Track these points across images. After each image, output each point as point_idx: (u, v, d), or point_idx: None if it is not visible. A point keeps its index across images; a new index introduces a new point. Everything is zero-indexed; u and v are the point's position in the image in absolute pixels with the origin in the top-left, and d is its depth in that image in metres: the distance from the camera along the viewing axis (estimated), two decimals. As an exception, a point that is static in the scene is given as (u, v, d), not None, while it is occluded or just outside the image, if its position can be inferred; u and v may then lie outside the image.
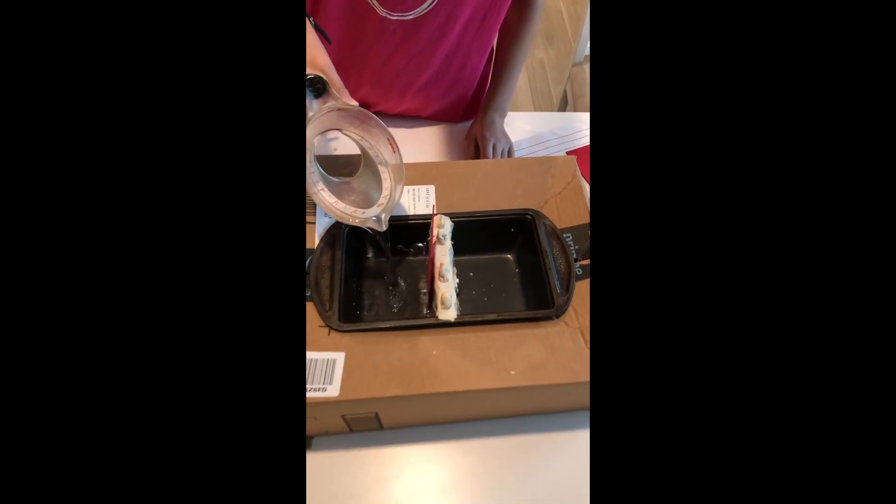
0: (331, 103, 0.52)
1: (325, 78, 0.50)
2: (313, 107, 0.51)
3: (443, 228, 0.60)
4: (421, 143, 0.85)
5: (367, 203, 0.57)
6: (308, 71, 0.50)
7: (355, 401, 0.49)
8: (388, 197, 0.57)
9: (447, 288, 0.55)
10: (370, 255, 0.65)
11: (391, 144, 0.55)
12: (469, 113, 0.88)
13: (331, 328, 0.52)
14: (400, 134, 0.86)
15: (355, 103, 0.52)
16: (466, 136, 0.84)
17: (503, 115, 0.83)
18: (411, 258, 0.65)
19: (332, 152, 0.69)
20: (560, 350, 0.51)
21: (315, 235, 0.60)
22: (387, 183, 0.57)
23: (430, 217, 0.60)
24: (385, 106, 0.84)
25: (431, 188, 0.64)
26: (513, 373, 0.49)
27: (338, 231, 0.60)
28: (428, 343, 0.52)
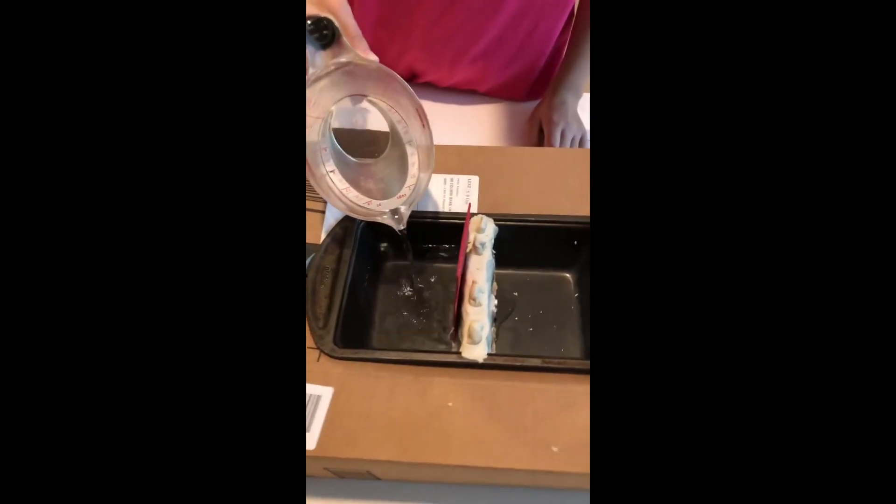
0: (342, 58, 0.39)
1: (335, 22, 0.37)
2: (316, 61, 0.38)
3: (483, 234, 0.46)
4: (474, 125, 0.71)
5: (386, 193, 0.44)
6: (311, 11, 0.37)
7: (337, 459, 0.36)
8: (412, 187, 0.44)
9: (479, 315, 0.41)
10: (390, 255, 0.52)
11: (420, 118, 0.42)
12: (536, 91, 0.73)
13: (322, 352, 0.40)
14: (450, 112, 0.72)
15: (375, 58, 0.39)
16: (530, 119, 0.69)
17: (578, 96, 0.68)
18: (442, 265, 0.51)
19: (354, 126, 0.56)
20: (626, 422, 0.36)
21: (322, 228, 0.48)
22: (414, 169, 0.44)
23: (466, 217, 0.47)
24: (435, 76, 0.70)
25: (474, 179, 0.50)
26: (555, 449, 0.35)
27: (351, 224, 0.47)
28: (444, 389, 0.38)
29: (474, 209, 0.49)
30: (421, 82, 0.72)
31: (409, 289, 0.50)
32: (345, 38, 0.38)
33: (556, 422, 0.36)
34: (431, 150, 0.42)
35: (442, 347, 0.46)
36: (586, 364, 0.39)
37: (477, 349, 0.39)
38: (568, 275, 0.50)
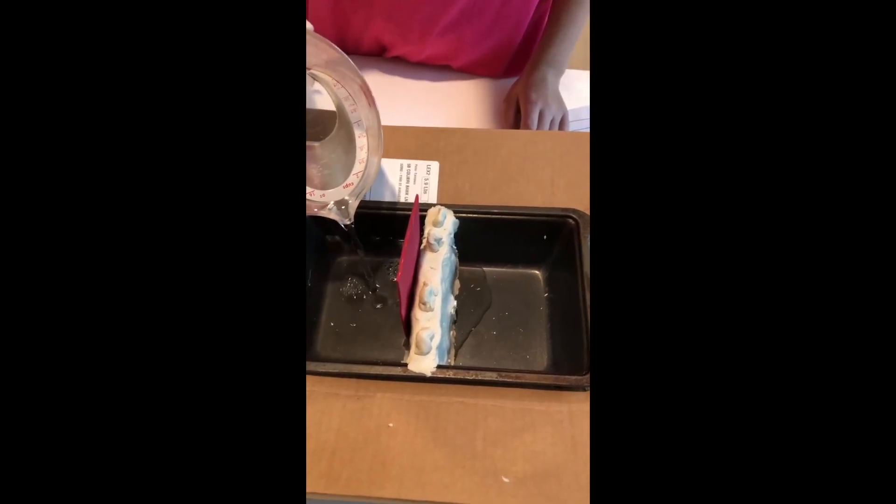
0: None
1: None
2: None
3: (440, 228, 0.41)
4: (447, 102, 0.65)
5: (330, 181, 0.39)
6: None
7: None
8: (360, 174, 0.39)
9: (429, 321, 0.37)
10: (339, 250, 0.47)
11: (366, 95, 0.36)
12: (515, 67, 0.67)
13: (252, 361, 0.35)
14: (421, 89, 0.66)
15: (308, 25, 0.33)
16: (506, 98, 0.63)
17: (559, 74, 0.62)
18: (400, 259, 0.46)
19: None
20: (587, 450, 0.32)
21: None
22: (362, 153, 0.39)
23: (422, 208, 0.42)
24: (404, 49, 0.64)
25: (434, 165, 0.45)
26: (506, 480, 0.31)
27: (294, 215, 0.42)
28: (386, 406, 0.34)
29: (433, 199, 0.44)
30: (391, 56, 0.66)
31: (360, 287, 0.45)
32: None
33: (509, 447, 0.32)
34: (380, 133, 0.37)
35: (394, 357, 0.41)
36: (548, 379, 0.35)
37: (425, 361, 0.35)
38: (537, 272, 0.45)
